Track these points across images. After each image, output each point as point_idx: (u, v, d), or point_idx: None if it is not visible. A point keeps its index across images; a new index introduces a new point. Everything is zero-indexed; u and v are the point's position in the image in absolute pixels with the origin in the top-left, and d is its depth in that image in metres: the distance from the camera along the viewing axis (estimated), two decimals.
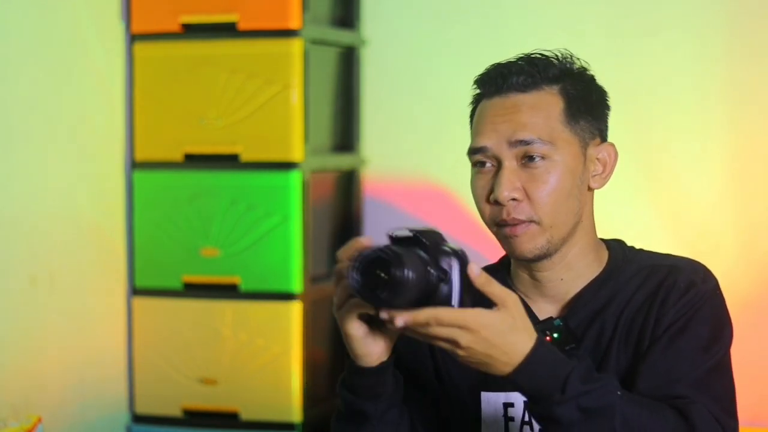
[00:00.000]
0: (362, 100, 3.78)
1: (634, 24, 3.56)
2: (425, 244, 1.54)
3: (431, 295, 1.53)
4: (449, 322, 1.52)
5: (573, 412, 1.57)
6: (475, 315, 1.54)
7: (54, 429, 3.15)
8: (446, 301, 1.54)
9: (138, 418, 3.54)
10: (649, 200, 3.53)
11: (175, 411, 3.50)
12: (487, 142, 1.77)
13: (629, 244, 1.88)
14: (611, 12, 3.57)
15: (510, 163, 1.75)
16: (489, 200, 1.77)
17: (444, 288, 1.53)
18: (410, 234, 1.55)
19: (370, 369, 1.66)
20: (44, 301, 3.22)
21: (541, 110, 1.76)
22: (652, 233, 3.48)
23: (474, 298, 1.55)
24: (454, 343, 1.54)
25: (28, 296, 3.17)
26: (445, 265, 1.54)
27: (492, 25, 3.66)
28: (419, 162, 3.76)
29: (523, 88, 1.78)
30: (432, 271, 1.53)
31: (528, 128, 1.75)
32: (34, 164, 3.21)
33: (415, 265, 1.50)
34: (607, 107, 1.85)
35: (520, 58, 1.81)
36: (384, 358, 1.66)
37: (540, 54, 1.81)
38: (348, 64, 3.74)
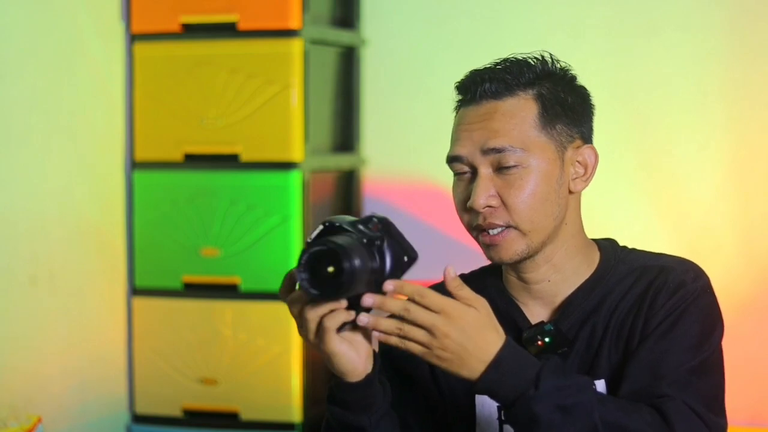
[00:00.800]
0: (362, 100, 3.78)
1: (634, 24, 3.55)
2: (341, 226, 1.59)
3: (380, 266, 1.56)
4: (431, 302, 1.54)
5: (551, 411, 1.57)
6: (455, 303, 1.56)
7: (54, 429, 3.15)
8: (397, 264, 1.57)
9: (138, 418, 3.54)
10: (649, 200, 3.53)
11: (175, 411, 3.50)
12: (461, 150, 1.78)
13: (626, 244, 1.88)
14: (611, 12, 3.57)
15: (485, 171, 1.76)
16: (466, 207, 1.77)
17: (383, 253, 1.57)
18: (321, 225, 1.60)
19: (358, 384, 1.66)
20: (44, 301, 3.22)
21: (514, 117, 1.76)
22: (652, 233, 3.48)
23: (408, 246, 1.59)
24: (431, 330, 1.54)
25: (28, 296, 3.17)
26: (371, 226, 1.58)
27: (492, 24, 3.66)
28: (419, 162, 3.76)
29: (497, 95, 1.78)
30: (365, 240, 1.57)
31: (500, 135, 1.75)
32: (34, 164, 3.21)
33: (354, 247, 1.54)
34: (590, 108, 1.84)
35: (496, 63, 1.81)
36: (369, 370, 1.66)
37: (516, 58, 1.81)
38: (348, 64, 3.74)
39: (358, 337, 1.63)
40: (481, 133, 1.76)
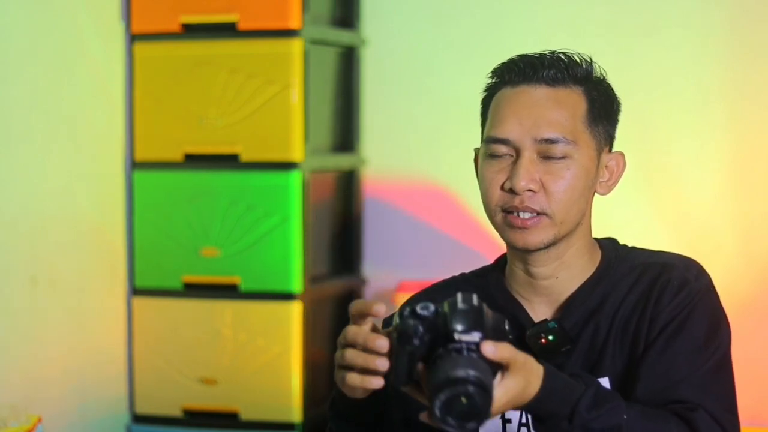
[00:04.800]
0: (362, 100, 3.78)
1: (634, 24, 3.56)
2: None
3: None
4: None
5: None
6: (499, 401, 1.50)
7: (54, 429, 3.15)
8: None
9: (138, 418, 3.54)
10: (649, 200, 3.53)
11: (175, 411, 3.50)
12: (510, 135, 1.75)
13: (625, 242, 1.88)
14: (611, 12, 3.57)
15: (530, 155, 1.74)
16: (503, 187, 1.75)
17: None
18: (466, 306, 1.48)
19: (356, 402, 1.64)
20: (44, 301, 3.22)
21: (567, 108, 1.76)
22: (652, 233, 3.48)
23: None
24: None
25: (28, 296, 3.17)
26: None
27: (492, 24, 3.66)
28: (419, 162, 3.76)
29: (552, 82, 1.77)
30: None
31: (554, 126, 1.74)
32: (34, 164, 3.21)
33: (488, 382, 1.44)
34: (618, 119, 1.86)
35: (548, 53, 1.80)
36: (367, 394, 1.61)
37: (567, 54, 1.80)
38: (348, 64, 3.74)
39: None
40: (533, 120, 1.75)
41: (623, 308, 1.77)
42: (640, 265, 1.80)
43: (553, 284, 1.81)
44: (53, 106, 3.28)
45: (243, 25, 3.42)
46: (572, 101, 1.77)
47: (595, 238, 1.87)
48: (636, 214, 3.52)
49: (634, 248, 1.86)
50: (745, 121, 3.48)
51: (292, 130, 3.40)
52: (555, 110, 1.75)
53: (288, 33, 3.39)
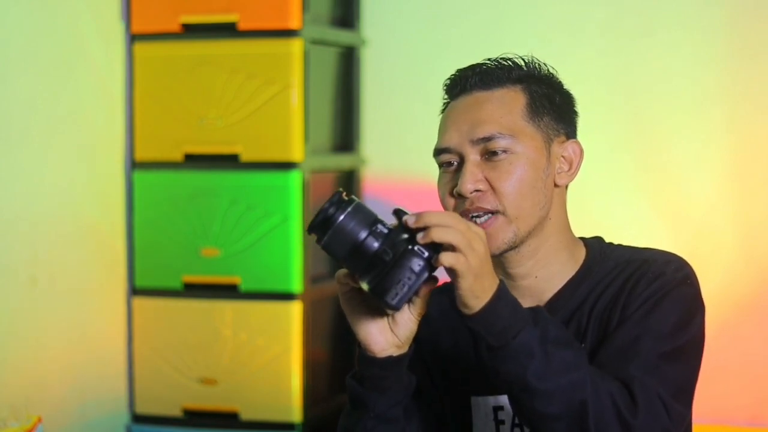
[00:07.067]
0: (362, 100, 3.78)
1: (634, 24, 3.56)
2: (395, 224, 1.59)
3: (370, 262, 1.59)
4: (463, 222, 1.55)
5: (543, 343, 1.58)
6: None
7: (54, 429, 3.15)
8: (386, 286, 1.56)
9: (138, 418, 3.54)
10: (649, 200, 3.53)
11: (175, 411, 3.50)
12: (449, 142, 1.79)
13: (627, 244, 1.88)
14: (611, 12, 3.57)
15: (473, 157, 1.77)
16: (453, 194, 1.78)
17: (385, 264, 1.57)
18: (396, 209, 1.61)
19: (374, 359, 1.66)
20: (44, 301, 3.22)
21: (503, 105, 1.79)
22: (652, 233, 3.48)
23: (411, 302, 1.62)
24: (466, 236, 1.54)
25: (28, 296, 3.17)
26: (397, 248, 1.57)
27: (491, 24, 3.66)
28: (419, 162, 3.74)
29: (486, 85, 1.80)
30: (375, 242, 1.59)
31: (488, 123, 1.77)
32: (34, 164, 3.21)
33: (357, 221, 1.60)
34: (575, 111, 1.86)
35: (486, 60, 1.83)
36: (391, 352, 1.66)
37: (505, 58, 1.83)
38: (348, 64, 3.74)
39: (379, 318, 1.65)
40: (468, 123, 1.78)
41: (601, 301, 1.77)
42: (623, 262, 1.80)
43: (533, 284, 1.81)
44: (53, 106, 3.28)
45: (243, 25, 3.42)
46: (508, 98, 1.79)
47: (581, 238, 1.87)
48: (636, 214, 3.52)
49: (619, 246, 1.86)
50: (745, 122, 3.48)
51: (292, 130, 3.40)
52: (488, 109, 1.78)
53: (288, 33, 3.39)
